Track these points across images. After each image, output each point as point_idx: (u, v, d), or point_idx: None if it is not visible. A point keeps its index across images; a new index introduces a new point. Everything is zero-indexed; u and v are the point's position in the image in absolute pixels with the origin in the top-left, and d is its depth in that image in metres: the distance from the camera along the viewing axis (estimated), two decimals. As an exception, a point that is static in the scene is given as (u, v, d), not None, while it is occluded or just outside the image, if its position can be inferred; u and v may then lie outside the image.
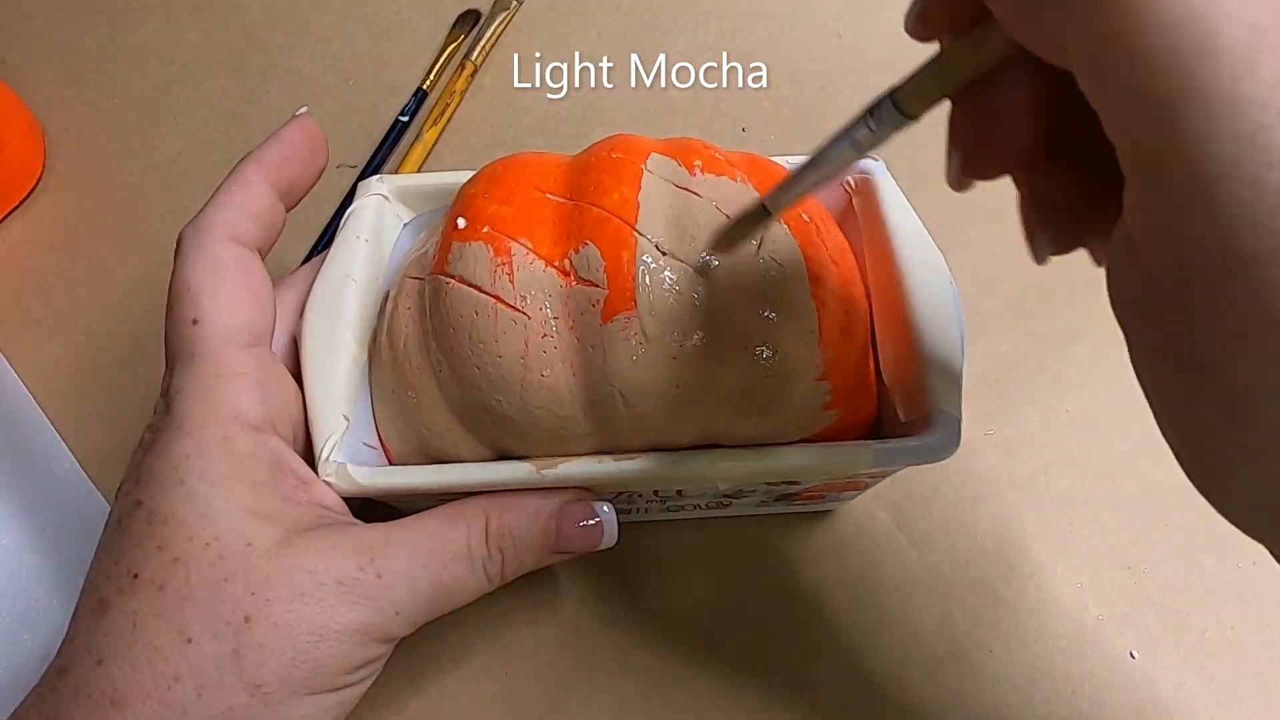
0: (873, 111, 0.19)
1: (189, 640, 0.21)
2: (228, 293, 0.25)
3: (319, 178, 0.28)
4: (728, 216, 0.24)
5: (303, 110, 0.28)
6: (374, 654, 0.23)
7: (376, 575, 0.23)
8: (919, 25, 0.18)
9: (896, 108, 0.19)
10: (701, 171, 0.26)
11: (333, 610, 0.22)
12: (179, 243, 0.25)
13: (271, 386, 0.25)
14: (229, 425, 0.23)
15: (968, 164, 0.19)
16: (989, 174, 0.19)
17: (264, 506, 0.23)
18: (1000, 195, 0.22)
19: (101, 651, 0.21)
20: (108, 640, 0.21)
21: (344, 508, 0.25)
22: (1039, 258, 0.20)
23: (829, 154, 0.20)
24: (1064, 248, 0.19)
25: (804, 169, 0.21)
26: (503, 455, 0.26)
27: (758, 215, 0.23)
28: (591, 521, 0.26)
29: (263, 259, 0.27)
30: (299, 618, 0.22)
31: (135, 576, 0.22)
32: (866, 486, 0.30)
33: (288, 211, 0.28)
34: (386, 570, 0.23)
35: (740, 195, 0.25)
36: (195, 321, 0.24)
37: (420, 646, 0.31)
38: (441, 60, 0.46)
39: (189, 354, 0.24)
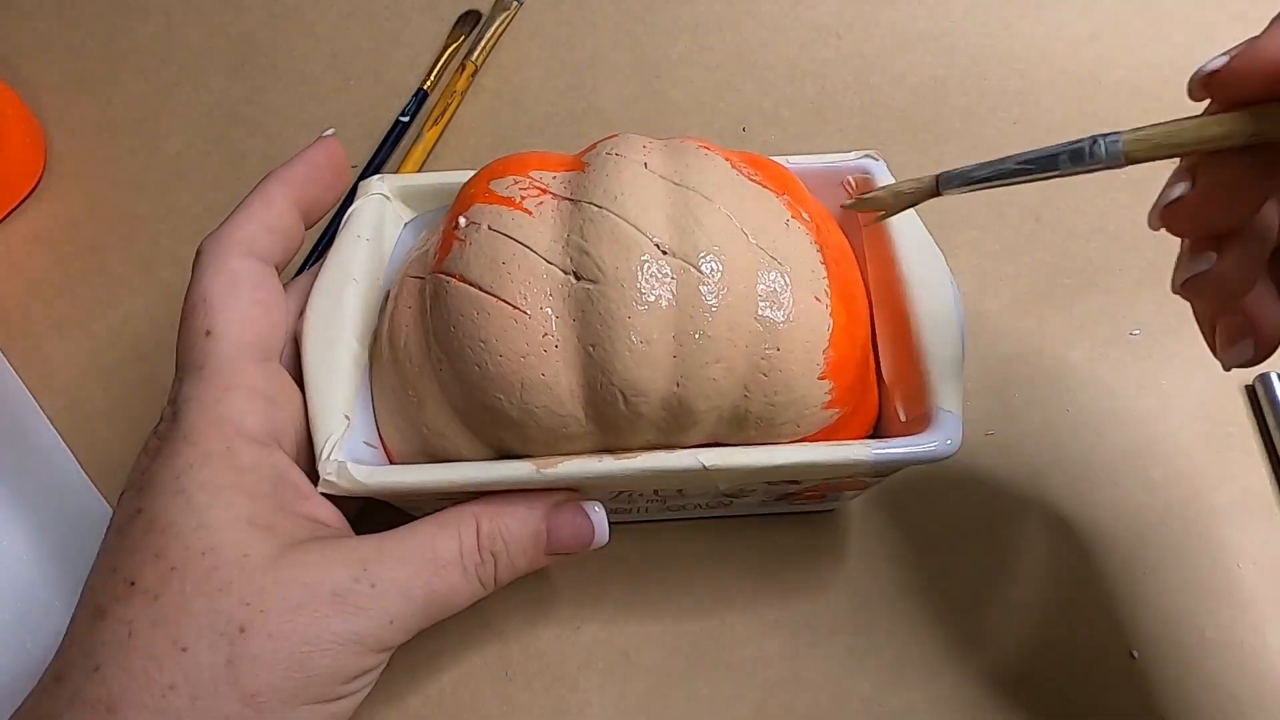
0: (1096, 140, 0.19)
1: (184, 650, 0.21)
2: (242, 307, 0.25)
3: (340, 200, 0.29)
4: (728, 216, 0.24)
5: (329, 132, 0.29)
6: (369, 664, 0.23)
7: (370, 585, 0.23)
8: (1202, 88, 0.18)
9: (1120, 148, 0.19)
10: (701, 170, 0.26)
11: (327, 621, 0.22)
12: (198, 254, 0.26)
13: (278, 401, 0.25)
14: (233, 438, 0.23)
15: (1181, 210, 0.20)
16: (1192, 228, 0.20)
17: (262, 518, 0.23)
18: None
19: (98, 658, 0.21)
20: (104, 648, 0.21)
21: (342, 522, 0.25)
22: (1232, 361, 0.21)
23: (1030, 158, 0.21)
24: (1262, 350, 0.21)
25: (996, 161, 0.22)
26: (504, 454, 0.26)
27: (927, 188, 0.24)
28: (582, 522, 0.26)
29: (279, 275, 0.27)
30: (294, 629, 0.22)
31: (132, 584, 0.22)
32: (866, 486, 0.30)
33: (306, 230, 0.28)
34: (380, 580, 0.23)
35: (741, 194, 0.25)
36: (208, 333, 0.24)
37: (420, 646, 0.31)
38: (442, 60, 0.46)
39: (199, 365, 0.24)
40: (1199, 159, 0.19)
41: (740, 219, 0.24)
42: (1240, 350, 0.21)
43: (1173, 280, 0.21)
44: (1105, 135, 0.19)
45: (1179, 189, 0.20)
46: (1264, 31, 0.18)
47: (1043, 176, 0.21)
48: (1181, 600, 0.32)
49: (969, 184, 0.23)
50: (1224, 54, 0.18)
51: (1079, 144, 0.19)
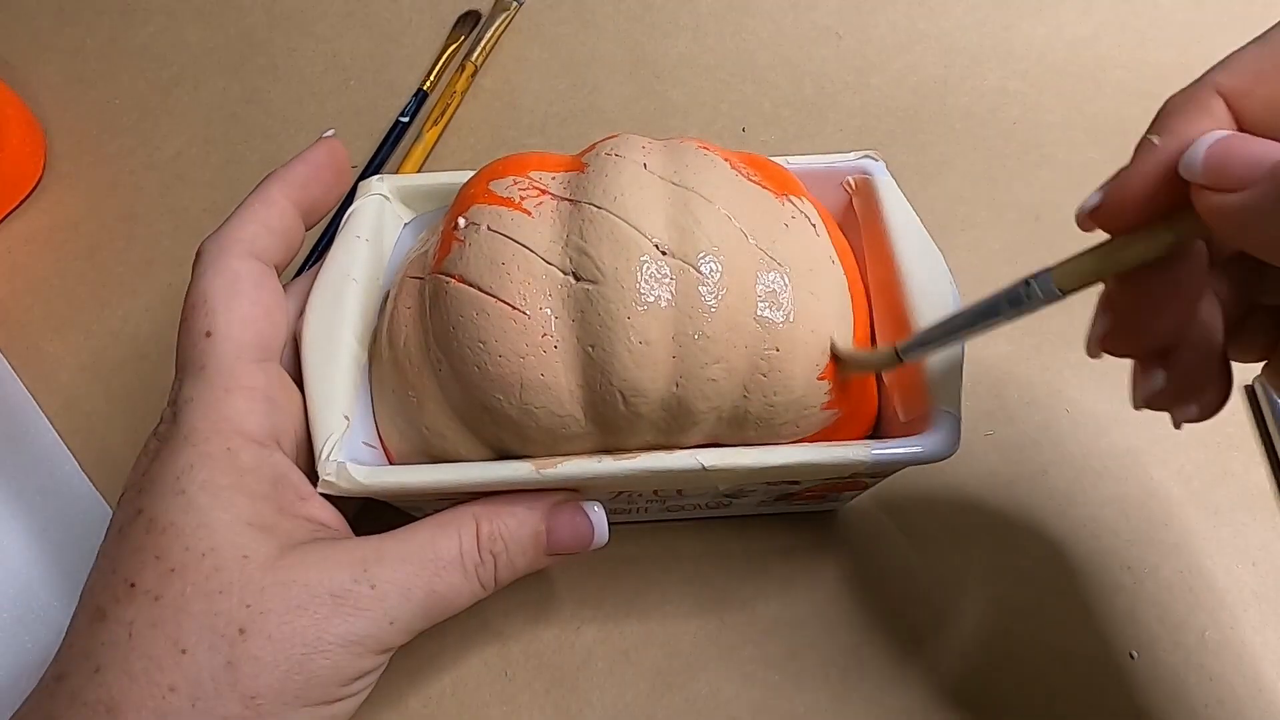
0: (1029, 283, 0.20)
1: (184, 651, 0.21)
2: (243, 308, 0.25)
3: (341, 200, 0.29)
4: (727, 216, 0.24)
5: (329, 132, 0.29)
6: (369, 665, 0.23)
7: (370, 586, 0.23)
8: (1090, 221, 0.20)
9: (1052, 284, 0.20)
10: (701, 170, 0.26)
11: (327, 622, 0.22)
12: (199, 254, 0.26)
13: (279, 401, 0.25)
14: (234, 438, 0.23)
15: (1115, 335, 0.21)
16: (1132, 350, 0.21)
17: (262, 519, 0.23)
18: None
19: (98, 660, 0.21)
20: (104, 649, 0.21)
21: (342, 523, 0.25)
22: (1180, 420, 0.23)
23: (974, 313, 0.22)
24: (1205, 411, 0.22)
25: (944, 322, 0.23)
26: (503, 455, 0.26)
27: (887, 359, 0.24)
28: (582, 522, 0.26)
29: (279, 275, 0.27)
30: (294, 630, 0.22)
31: (132, 586, 0.22)
32: (866, 486, 0.30)
33: (307, 230, 0.28)
34: (380, 581, 0.23)
35: (740, 194, 0.25)
36: (209, 334, 0.24)
37: (420, 646, 0.31)
38: (442, 61, 0.46)
39: (200, 366, 0.24)
40: (1114, 288, 0.20)
41: (740, 220, 0.24)
42: (1186, 413, 0.22)
43: (1132, 399, 0.23)
44: (1036, 276, 0.20)
45: (1103, 323, 0.21)
46: (1130, 163, 0.19)
47: (991, 326, 0.22)
48: (1181, 600, 0.32)
49: (926, 347, 0.24)
50: (1098, 190, 0.19)
51: (1014, 290, 0.20)
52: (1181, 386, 0.21)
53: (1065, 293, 0.20)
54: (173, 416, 0.24)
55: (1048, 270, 0.20)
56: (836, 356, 0.25)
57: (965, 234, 0.40)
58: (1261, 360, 0.23)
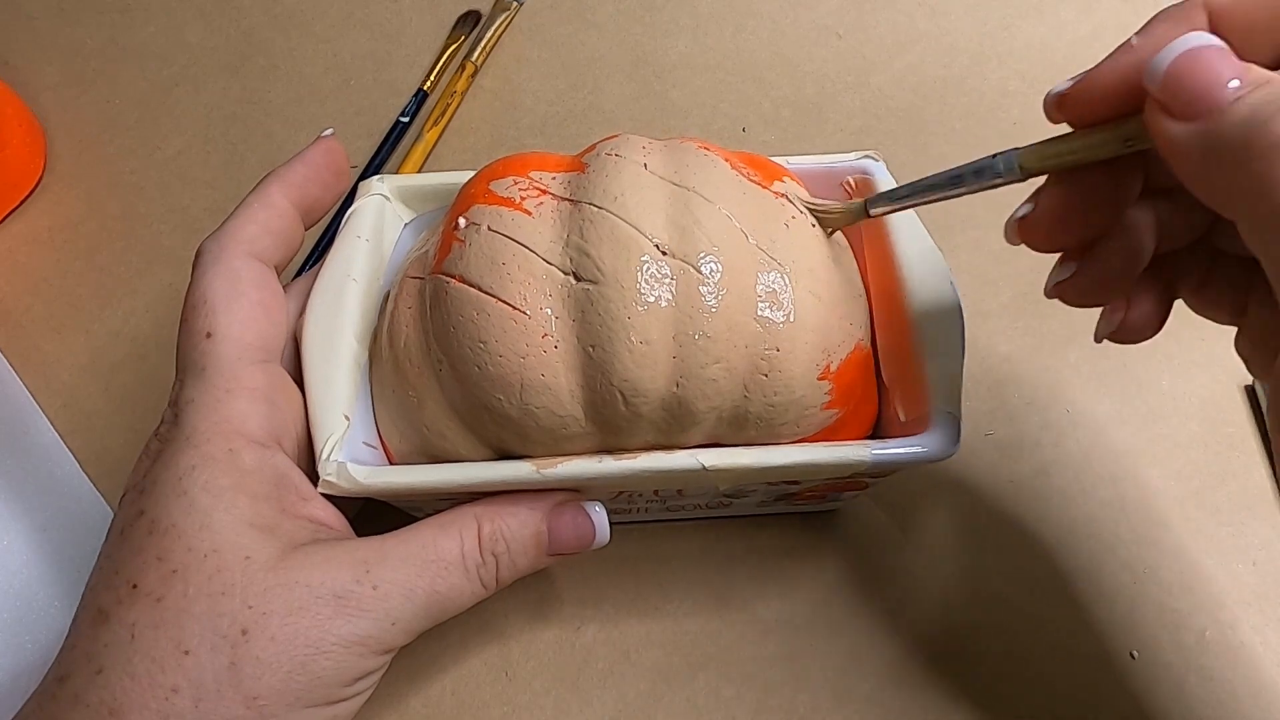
0: (995, 158, 0.21)
1: (187, 652, 0.21)
2: (243, 309, 0.25)
3: (340, 199, 0.29)
4: (727, 216, 0.24)
5: (328, 132, 0.29)
6: (371, 666, 0.23)
7: (373, 587, 0.23)
8: (1056, 110, 0.20)
9: (1016, 162, 0.21)
10: (701, 170, 0.26)
11: (329, 623, 0.22)
12: (199, 255, 0.26)
13: (279, 402, 0.25)
14: (235, 439, 0.23)
15: (1036, 224, 0.21)
16: (1049, 241, 0.22)
17: (264, 520, 0.23)
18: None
19: (101, 661, 0.21)
20: (107, 650, 0.21)
21: (343, 523, 0.25)
22: (1099, 331, 0.24)
23: (942, 179, 0.23)
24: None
25: (912, 184, 0.24)
26: (503, 455, 0.26)
27: (856, 211, 0.26)
28: (583, 522, 0.26)
29: (279, 275, 0.27)
30: (296, 631, 0.22)
31: (134, 587, 0.22)
32: (867, 486, 0.30)
33: (306, 230, 0.28)
34: (382, 582, 0.23)
35: (741, 194, 0.25)
36: (209, 335, 0.24)
37: (421, 646, 0.31)
38: (442, 61, 0.46)
39: (200, 367, 0.24)
40: (1047, 180, 0.21)
41: (740, 220, 0.25)
42: (1107, 324, 0.23)
43: (1045, 286, 0.23)
44: (1003, 153, 0.21)
45: (1026, 209, 0.22)
46: (1104, 59, 0.19)
47: (956, 193, 0.23)
48: (1181, 600, 0.32)
49: (892, 203, 0.25)
50: (1070, 79, 0.20)
51: (982, 162, 0.22)
52: (1094, 284, 0.22)
53: (1025, 172, 0.21)
54: (174, 418, 0.24)
55: (1015, 150, 0.21)
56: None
57: (965, 234, 0.40)
58: (1232, 324, 0.23)
